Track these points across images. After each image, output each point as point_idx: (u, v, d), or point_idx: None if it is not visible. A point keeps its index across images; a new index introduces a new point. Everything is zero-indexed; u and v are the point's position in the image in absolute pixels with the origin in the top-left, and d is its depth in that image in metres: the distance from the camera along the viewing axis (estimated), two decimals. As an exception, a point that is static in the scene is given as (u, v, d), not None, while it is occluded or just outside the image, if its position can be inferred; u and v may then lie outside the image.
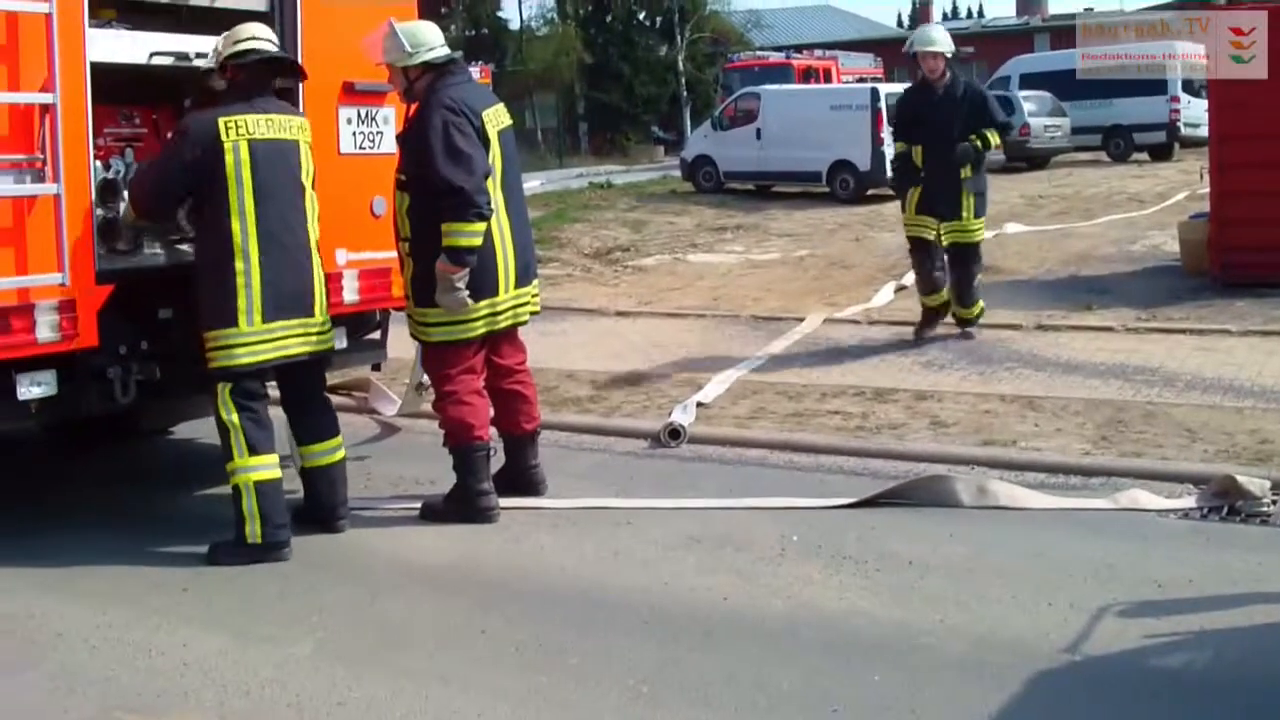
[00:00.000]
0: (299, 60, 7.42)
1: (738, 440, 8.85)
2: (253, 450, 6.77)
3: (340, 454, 7.26)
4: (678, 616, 5.86)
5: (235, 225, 6.71)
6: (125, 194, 7.09)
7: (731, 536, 6.91)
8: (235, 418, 6.77)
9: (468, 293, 7.07)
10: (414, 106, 7.28)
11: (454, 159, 6.97)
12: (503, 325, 7.38)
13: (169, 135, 7.30)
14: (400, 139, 7.42)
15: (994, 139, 11.49)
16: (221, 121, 6.76)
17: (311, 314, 6.97)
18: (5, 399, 6.60)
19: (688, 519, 7.26)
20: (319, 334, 7.04)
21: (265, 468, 6.82)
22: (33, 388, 6.62)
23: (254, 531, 6.77)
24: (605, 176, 33.42)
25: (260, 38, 7.03)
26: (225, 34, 7.05)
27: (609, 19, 58.05)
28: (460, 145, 7.00)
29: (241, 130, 6.76)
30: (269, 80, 7.10)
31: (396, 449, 9.15)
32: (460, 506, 7.25)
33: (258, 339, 6.76)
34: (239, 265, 6.70)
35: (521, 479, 7.64)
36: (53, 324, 6.52)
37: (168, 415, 9.27)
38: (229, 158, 6.71)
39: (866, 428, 9.02)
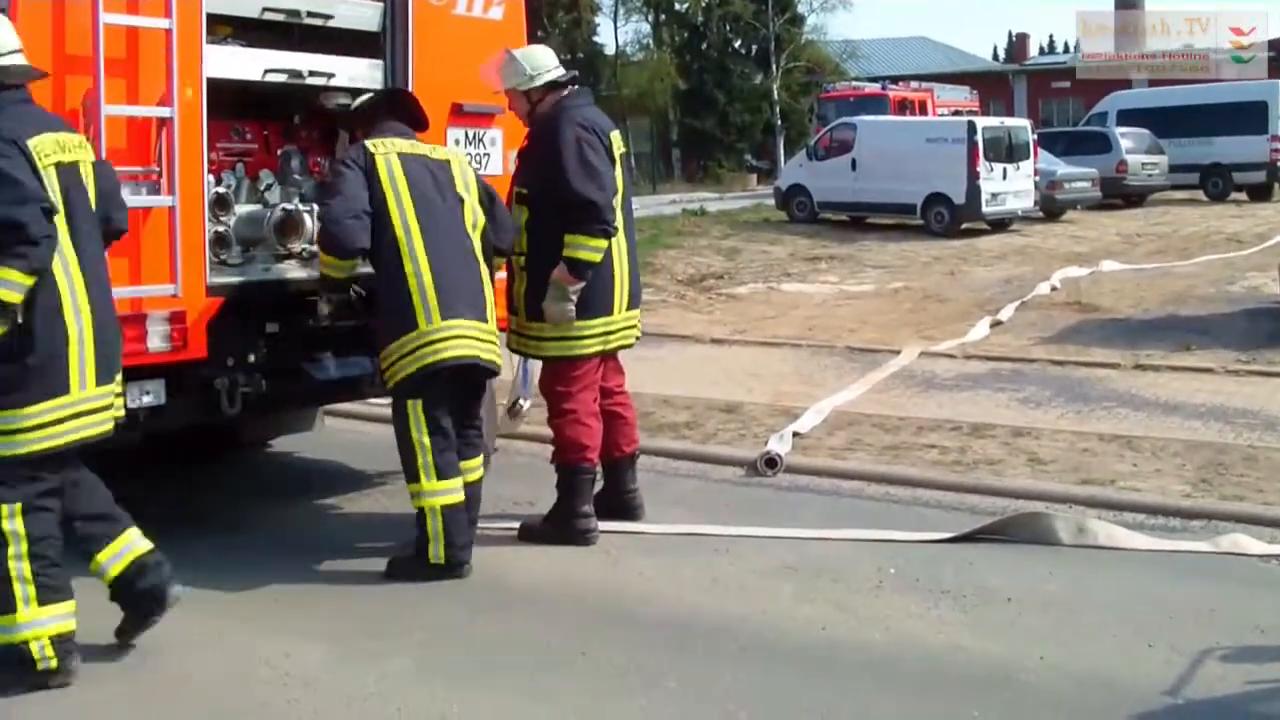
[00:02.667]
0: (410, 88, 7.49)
1: (834, 471, 8.82)
2: (440, 475, 6.71)
3: (480, 473, 7.17)
4: (776, 644, 5.85)
5: (399, 232, 6.70)
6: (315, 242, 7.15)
7: (829, 567, 6.89)
8: (427, 440, 6.69)
9: (574, 307, 7.11)
10: (539, 124, 7.35)
11: (587, 173, 7.03)
12: (614, 345, 7.42)
13: (322, 173, 7.47)
14: (522, 154, 7.49)
15: None
16: (368, 143, 6.85)
17: (485, 319, 6.88)
18: (115, 407, 6.70)
19: (785, 548, 7.24)
20: (490, 342, 6.92)
21: (450, 492, 6.75)
22: (142, 397, 6.69)
23: (437, 553, 6.74)
24: (698, 203, 33.45)
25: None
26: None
27: (704, 46, 58.10)
28: (593, 160, 7.07)
29: (390, 146, 6.84)
30: (401, 125, 7.13)
31: (491, 469, 9.17)
32: (560, 528, 7.27)
33: (439, 336, 6.65)
34: (409, 268, 6.67)
35: (619, 503, 7.64)
36: (164, 334, 6.61)
37: (268, 428, 9.38)
38: (382, 168, 6.75)
39: (963, 463, 8.96)
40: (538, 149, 7.30)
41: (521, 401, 9.68)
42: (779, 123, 54.48)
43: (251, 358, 7.19)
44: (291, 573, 6.88)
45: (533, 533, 7.36)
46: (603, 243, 7.08)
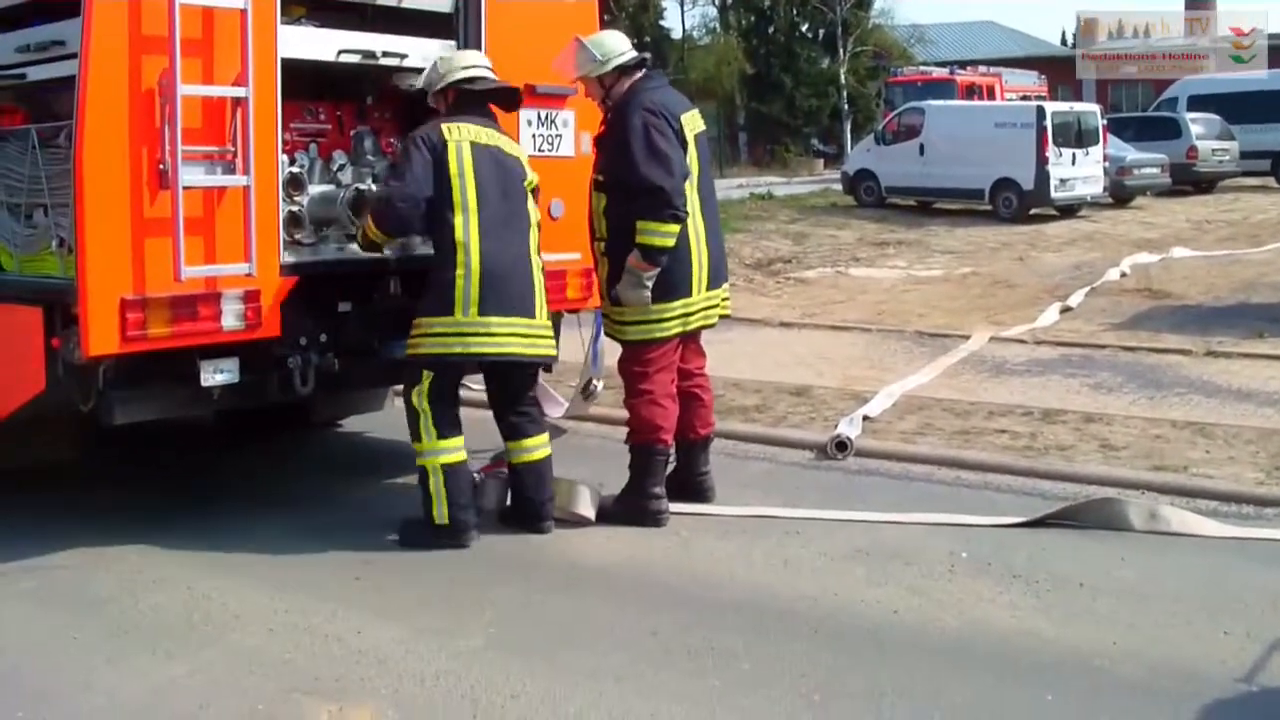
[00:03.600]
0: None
1: (904, 455, 8.77)
2: (440, 434, 6.89)
3: (547, 450, 7.28)
4: (849, 627, 5.83)
5: (458, 220, 6.80)
6: (364, 217, 7.16)
7: (900, 550, 6.86)
8: (426, 405, 6.88)
9: (649, 292, 7.12)
10: (611, 110, 7.34)
11: (654, 159, 7.02)
12: (694, 326, 7.41)
13: (395, 152, 7.49)
14: (598, 140, 7.50)
15: None
16: (445, 125, 6.91)
17: (532, 315, 7.01)
18: (190, 385, 6.76)
19: (856, 531, 7.22)
20: (539, 336, 7.07)
21: (451, 451, 6.92)
22: (216, 374, 6.76)
23: (440, 513, 6.89)
24: (766, 188, 33.37)
25: (479, 65, 7.20)
26: (441, 59, 7.24)
27: (771, 30, 57.90)
28: (660, 146, 7.05)
29: (464, 133, 6.90)
30: (485, 106, 7.22)
31: (562, 451, 9.14)
32: (632, 508, 7.28)
33: (470, 331, 6.82)
34: (460, 258, 6.78)
35: (691, 484, 7.64)
36: (238, 313, 6.66)
37: (339, 407, 9.47)
38: (452, 156, 6.83)
39: (1034, 448, 8.89)
40: (610, 135, 7.31)
41: (595, 383, 9.69)
42: (846, 107, 54.22)
43: (324, 337, 7.25)
44: (361, 551, 6.93)
45: (604, 513, 7.36)
46: (673, 227, 7.06)
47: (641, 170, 7.02)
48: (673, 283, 7.21)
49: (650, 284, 7.10)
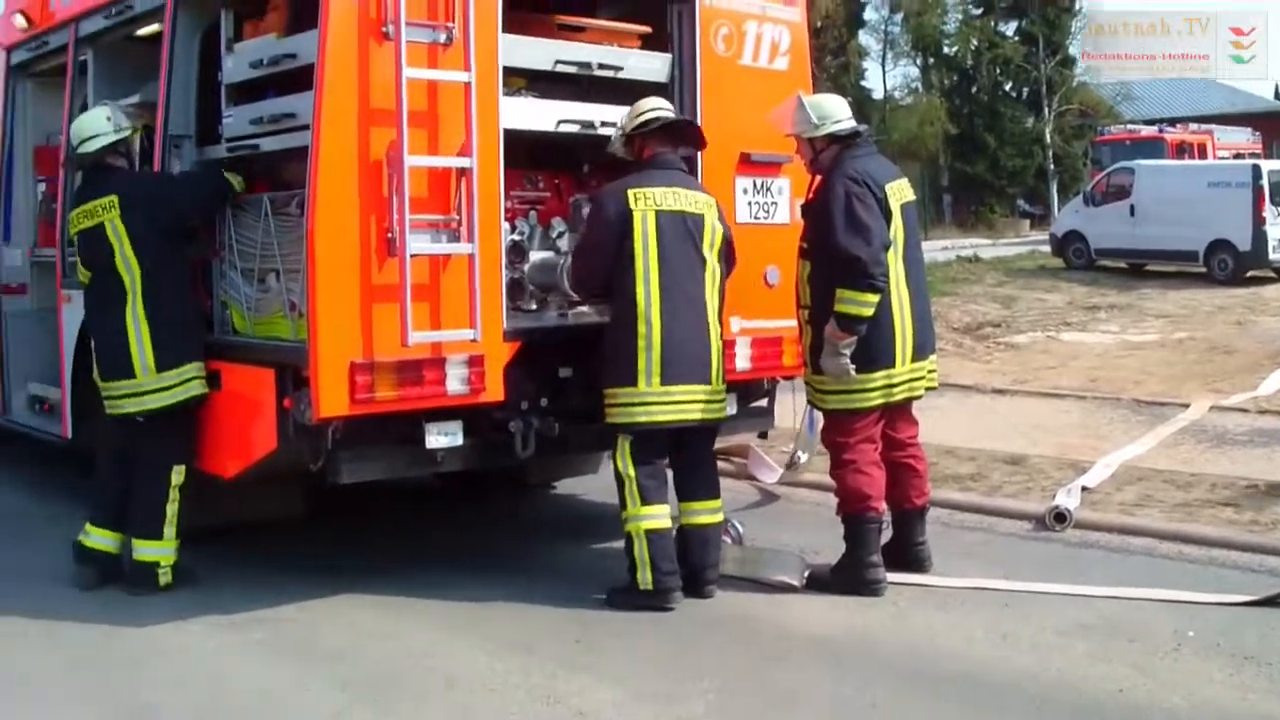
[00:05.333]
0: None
1: (1125, 528, 8.54)
2: (645, 500, 6.97)
3: (719, 516, 7.36)
4: (1071, 705, 5.69)
5: (640, 290, 6.92)
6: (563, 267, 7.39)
7: (1123, 626, 6.69)
8: (632, 470, 6.98)
9: (851, 362, 7.09)
10: (819, 177, 7.35)
11: (854, 229, 7.00)
12: (897, 398, 7.33)
13: (585, 209, 7.60)
14: (804, 208, 7.51)
15: None
16: (630, 192, 7.02)
17: (709, 381, 7.10)
18: (414, 447, 6.93)
19: (1076, 605, 7.06)
20: (714, 402, 7.17)
21: (656, 517, 7.00)
22: (440, 437, 6.92)
23: (645, 578, 6.96)
24: (972, 250, 33.04)
25: (661, 107, 7.28)
26: (630, 108, 7.29)
27: (974, 89, 57.37)
28: (861, 216, 7.03)
29: (649, 201, 6.99)
30: (673, 148, 7.30)
31: (777, 516, 9.20)
32: (848, 577, 7.22)
33: (654, 400, 6.94)
34: (641, 329, 6.91)
35: (908, 554, 7.55)
36: (462, 377, 6.81)
37: (555, 470, 9.61)
38: (637, 226, 6.95)
39: (1261, 522, 8.59)
40: (815, 203, 7.32)
41: (799, 455, 9.69)
42: (1052, 167, 53.49)
43: (545, 401, 7.37)
44: (576, 609, 7.02)
45: (821, 581, 7.32)
46: (870, 297, 7.01)
47: (841, 239, 7.00)
48: (874, 353, 7.16)
49: (848, 353, 7.07)
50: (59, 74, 9.39)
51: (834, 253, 7.03)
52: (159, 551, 7.39)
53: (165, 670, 6.32)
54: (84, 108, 8.43)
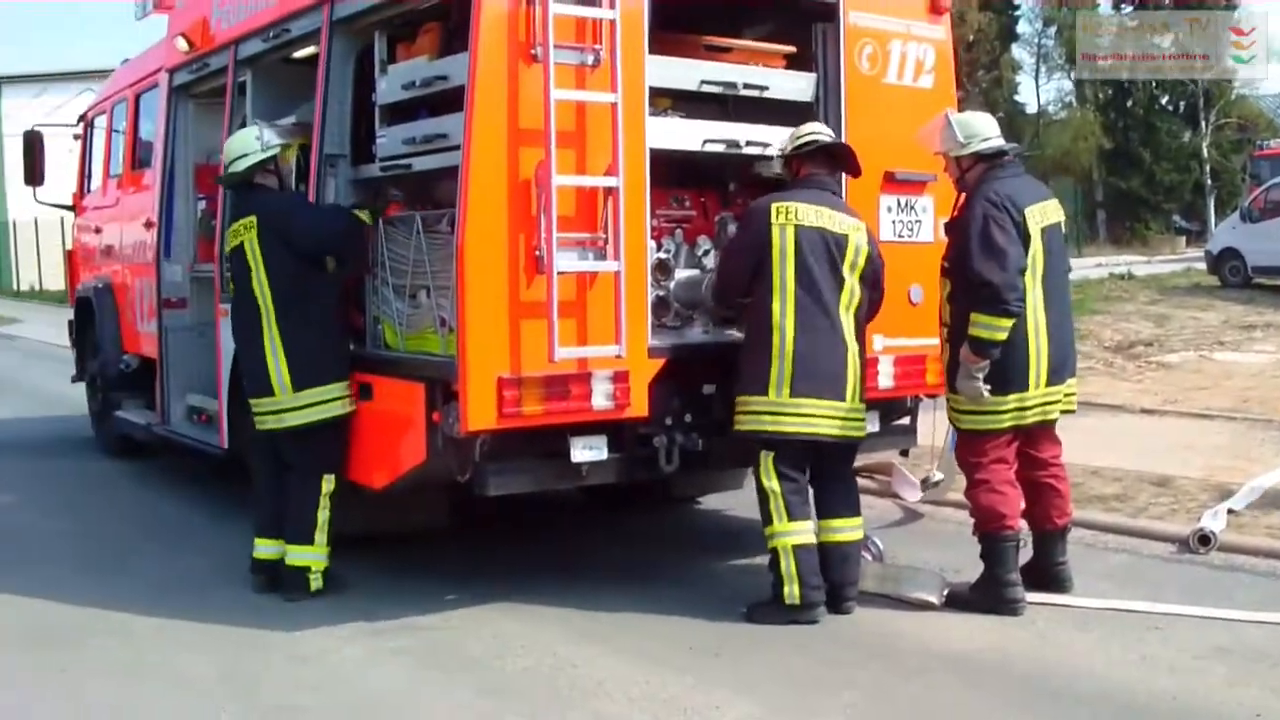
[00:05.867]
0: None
1: (1271, 552, 8.39)
2: (790, 516, 7.03)
3: (859, 533, 7.40)
4: (1208, 729, 5.66)
5: (775, 303, 7.01)
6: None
7: (1266, 651, 6.59)
8: (776, 485, 7.05)
9: (985, 385, 7.10)
10: (964, 196, 7.38)
11: (988, 252, 7.02)
12: (1029, 421, 7.30)
13: (731, 227, 7.72)
14: (948, 226, 7.54)
15: None
16: (774, 206, 7.11)
17: (843, 398, 7.13)
18: (559, 460, 7.06)
19: (1218, 629, 6.98)
20: (850, 419, 7.19)
21: (801, 533, 7.05)
22: (585, 451, 7.05)
23: (792, 593, 7.02)
24: (1125, 267, 32.52)
25: (819, 131, 7.39)
26: (792, 130, 7.41)
27: (1130, 103, 56.40)
28: (996, 240, 7.03)
29: (791, 215, 7.07)
30: (828, 171, 7.39)
31: (919, 534, 9.20)
32: (987, 596, 7.22)
33: (783, 410, 7.01)
34: (775, 340, 7.00)
35: (1048, 574, 7.51)
36: (607, 393, 6.92)
37: (699, 485, 9.70)
38: (775, 239, 7.05)
39: None
40: (956, 223, 7.35)
41: (935, 474, 9.68)
42: (1209, 182, 52.42)
43: (689, 417, 7.46)
44: (716, 621, 7.10)
45: (960, 599, 7.33)
46: (1003, 322, 7.01)
47: (975, 264, 7.02)
48: (1008, 376, 7.15)
49: (982, 376, 7.08)
50: (219, 94, 9.69)
51: (969, 276, 7.06)
52: (311, 556, 7.62)
53: (313, 674, 6.53)
54: (243, 126, 8.68)
